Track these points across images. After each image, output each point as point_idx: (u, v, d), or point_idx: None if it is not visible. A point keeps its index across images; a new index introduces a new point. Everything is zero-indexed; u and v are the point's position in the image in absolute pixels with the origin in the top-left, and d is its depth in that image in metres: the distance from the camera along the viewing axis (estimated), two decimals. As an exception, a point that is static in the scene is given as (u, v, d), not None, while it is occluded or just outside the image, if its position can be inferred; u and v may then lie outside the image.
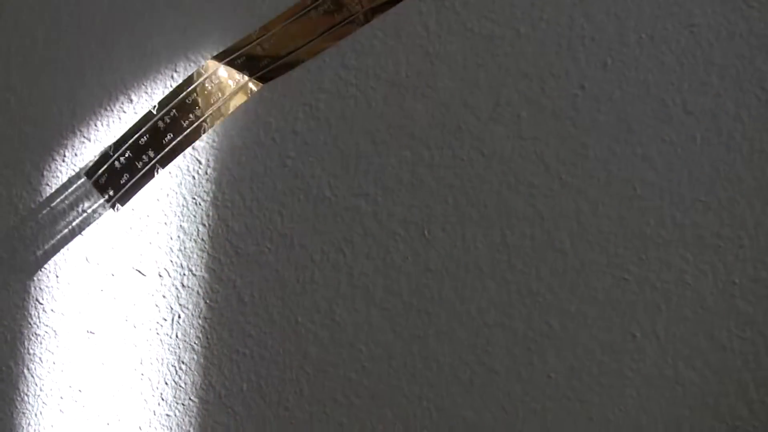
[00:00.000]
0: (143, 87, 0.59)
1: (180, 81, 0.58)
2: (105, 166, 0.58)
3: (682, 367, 0.52)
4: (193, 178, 0.58)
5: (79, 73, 0.60)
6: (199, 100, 0.57)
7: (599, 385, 0.53)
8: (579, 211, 0.53)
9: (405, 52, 0.55)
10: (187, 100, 0.57)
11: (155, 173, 0.58)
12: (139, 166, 0.58)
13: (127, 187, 0.58)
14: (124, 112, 0.59)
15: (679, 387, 0.52)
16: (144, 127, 0.58)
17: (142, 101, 0.59)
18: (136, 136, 0.58)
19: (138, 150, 0.58)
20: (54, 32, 0.60)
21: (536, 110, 0.53)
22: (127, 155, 0.58)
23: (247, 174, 0.57)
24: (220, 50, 0.57)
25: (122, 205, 0.58)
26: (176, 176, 0.58)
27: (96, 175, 0.59)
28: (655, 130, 0.52)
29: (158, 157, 0.58)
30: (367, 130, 0.55)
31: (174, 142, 0.58)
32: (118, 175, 0.58)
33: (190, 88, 0.57)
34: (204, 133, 0.57)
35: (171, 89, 0.58)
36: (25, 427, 0.62)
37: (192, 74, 0.57)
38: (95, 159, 0.58)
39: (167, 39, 0.58)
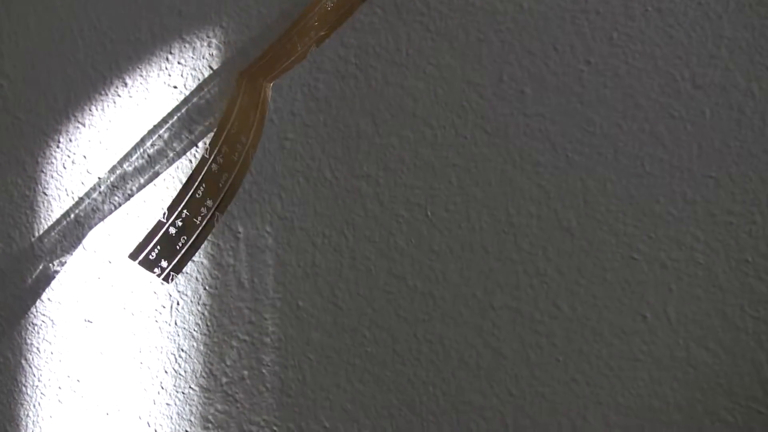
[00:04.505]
0: (138, 70, 0.57)
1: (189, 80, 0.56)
2: (157, 238, 0.50)
3: (695, 348, 0.51)
4: (190, 162, 0.57)
5: (72, 58, 0.59)
6: (242, 124, 0.51)
7: (609, 368, 0.52)
8: (586, 189, 0.52)
9: (405, 29, 0.53)
10: (232, 130, 0.50)
11: (215, 223, 0.52)
12: (198, 222, 0.51)
13: (184, 250, 0.51)
14: (119, 96, 0.58)
15: (691, 368, 0.51)
16: (200, 175, 0.50)
17: (137, 85, 0.57)
18: (193, 189, 0.50)
19: (195, 204, 0.50)
20: (46, 16, 0.59)
21: (541, 86, 0.52)
22: (184, 215, 0.50)
23: (245, 157, 0.56)
24: (227, 50, 0.56)
25: (177, 273, 0.52)
26: (173, 161, 0.57)
27: (144, 253, 0.50)
28: (664, 106, 0.51)
29: (217, 204, 0.51)
30: (367, 110, 0.54)
31: (230, 182, 0.51)
32: (174, 242, 0.51)
33: (233, 116, 0.51)
34: (252, 160, 0.52)
35: (213, 122, 0.52)
36: (23, 418, 0.61)
37: (231, 96, 0.52)
38: (144, 236, 0.51)
39: (161, 20, 0.57)
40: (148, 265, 0.51)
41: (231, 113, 0.51)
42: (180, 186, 0.54)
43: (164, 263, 0.51)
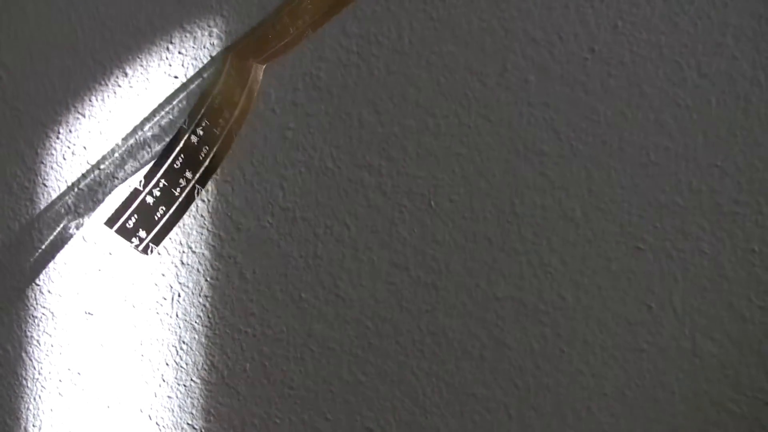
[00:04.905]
0: (138, 60, 0.57)
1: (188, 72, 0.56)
2: (134, 206, 0.50)
3: (700, 338, 0.51)
4: (191, 152, 0.56)
5: (72, 48, 0.58)
6: (226, 100, 0.51)
7: (614, 359, 0.52)
8: (591, 178, 0.51)
9: (408, 17, 0.53)
10: (214, 104, 0.51)
11: (195, 196, 0.52)
12: (177, 193, 0.51)
13: (163, 221, 0.51)
14: (119, 86, 0.57)
15: (696, 359, 0.51)
16: (178, 146, 0.51)
17: (138, 75, 0.57)
18: (171, 159, 0.50)
19: (174, 175, 0.51)
20: (45, 6, 0.58)
21: (545, 75, 0.52)
22: (161, 185, 0.51)
23: (246, 147, 0.55)
24: (228, 39, 0.55)
25: (157, 245, 0.52)
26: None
27: (121, 221, 0.50)
28: (669, 94, 0.50)
29: (197, 176, 0.51)
30: (369, 99, 0.54)
31: (210, 156, 0.51)
32: (151, 212, 0.51)
33: (216, 90, 0.51)
34: (236, 137, 0.52)
35: (197, 96, 0.52)
36: (24, 411, 0.61)
37: (216, 72, 0.52)
38: (120, 203, 0.50)
39: (162, 10, 0.56)
40: (126, 233, 0.50)
41: (214, 87, 0.51)
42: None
43: (142, 233, 0.51)
